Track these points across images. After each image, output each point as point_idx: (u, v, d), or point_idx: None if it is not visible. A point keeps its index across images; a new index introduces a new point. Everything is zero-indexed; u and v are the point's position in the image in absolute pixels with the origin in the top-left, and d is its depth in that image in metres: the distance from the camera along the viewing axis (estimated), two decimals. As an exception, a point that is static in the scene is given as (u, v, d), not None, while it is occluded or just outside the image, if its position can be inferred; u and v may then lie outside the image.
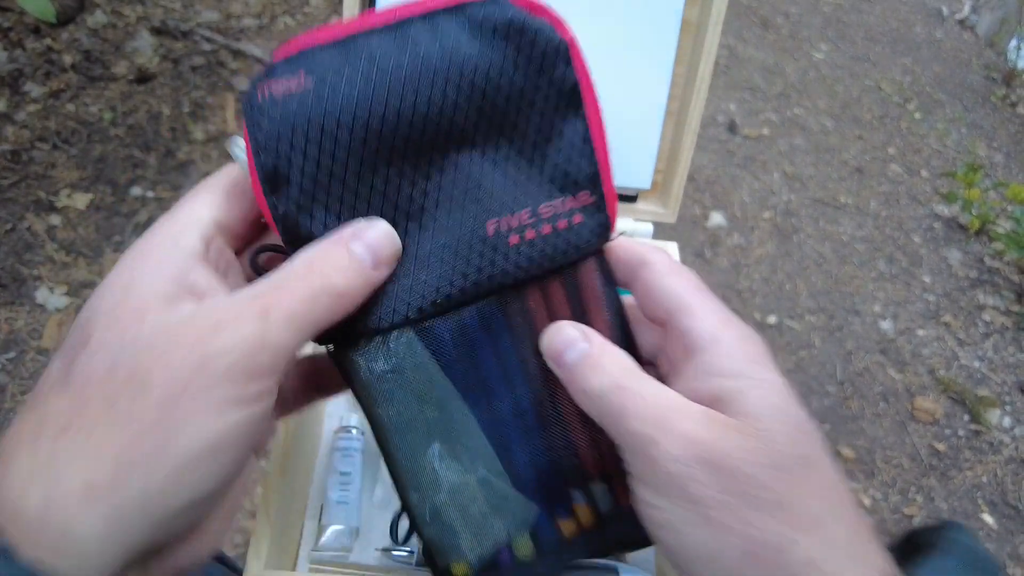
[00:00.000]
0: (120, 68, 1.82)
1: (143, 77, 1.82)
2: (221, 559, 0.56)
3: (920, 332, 1.79)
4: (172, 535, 0.23)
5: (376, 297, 0.29)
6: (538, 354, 0.31)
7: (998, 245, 2.06)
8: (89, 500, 0.21)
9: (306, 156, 0.28)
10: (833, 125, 2.48)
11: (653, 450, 0.25)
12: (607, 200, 0.32)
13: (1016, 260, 2.01)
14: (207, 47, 1.94)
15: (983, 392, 1.66)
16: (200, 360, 0.22)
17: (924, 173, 2.38)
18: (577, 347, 0.29)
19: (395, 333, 0.30)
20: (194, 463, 0.22)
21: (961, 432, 1.59)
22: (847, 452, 1.49)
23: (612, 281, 0.33)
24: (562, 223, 0.31)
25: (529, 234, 0.30)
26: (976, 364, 1.73)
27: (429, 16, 0.28)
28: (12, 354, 1.30)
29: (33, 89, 1.71)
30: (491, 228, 0.30)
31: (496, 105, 0.30)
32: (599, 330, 0.31)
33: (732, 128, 2.29)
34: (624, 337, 0.32)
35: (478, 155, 0.30)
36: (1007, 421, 1.61)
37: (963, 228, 2.15)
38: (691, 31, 0.45)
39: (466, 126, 0.30)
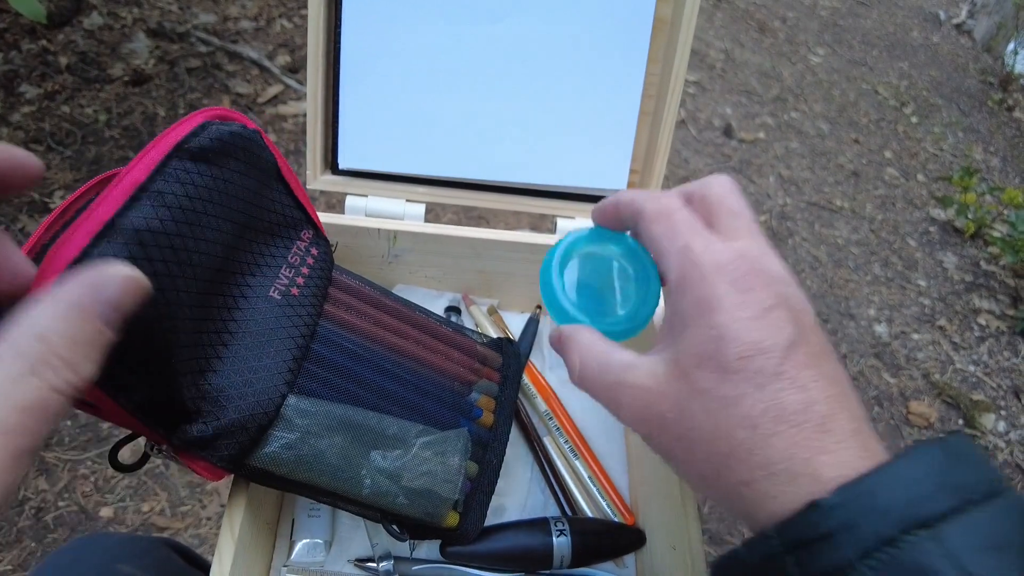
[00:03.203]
0: (116, 70, 1.83)
1: (139, 79, 1.82)
2: (188, 556, 0.56)
3: (915, 336, 1.79)
4: None
5: (247, 401, 0.34)
6: (370, 335, 0.42)
7: (994, 249, 2.06)
8: None
9: (134, 343, 0.27)
10: (829, 129, 2.48)
11: (616, 413, 0.30)
12: (320, 230, 0.42)
13: (1011, 264, 2.01)
14: (203, 49, 1.94)
15: (978, 396, 1.66)
16: None
17: (920, 177, 2.38)
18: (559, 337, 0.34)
19: (283, 407, 0.35)
20: None
21: (955, 436, 1.58)
22: (840, 456, 1.49)
23: (357, 276, 0.44)
24: (310, 260, 0.40)
25: (299, 280, 0.39)
26: (971, 368, 1.73)
27: (162, 168, 0.31)
28: (3, 355, 1.30)
29: (28, 90, 1.72)
30: (275, 294, 0.37)
31: (242, 212, 0.35)
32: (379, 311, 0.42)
33: (728, 132, 2.29)
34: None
35: (247, 259, 0.37)
36: (1002, 426, 1.61)
37: (959, 232, 2.15)
38: (664, 29, 0.45)
39: (235, 243, 0.35)
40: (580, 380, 0.32)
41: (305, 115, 1.91)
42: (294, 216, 0.39)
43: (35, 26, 1.80)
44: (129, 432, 0.33)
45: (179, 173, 0.31)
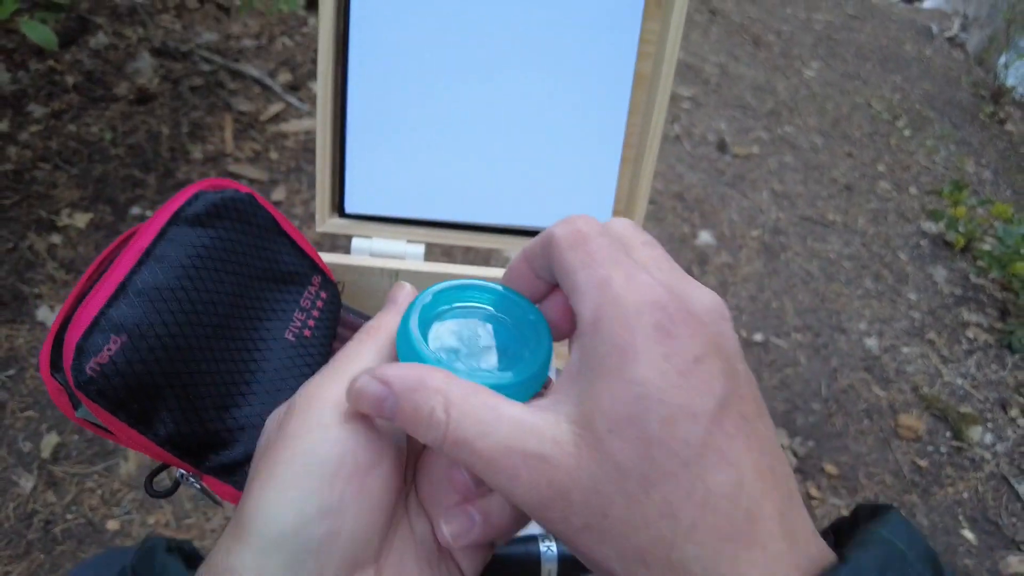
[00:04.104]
0: (121, 89, 1.86)
1: (143, 98, 1.86)
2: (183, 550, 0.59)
3: (904, 349, 1.82)
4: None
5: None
6: None
7: (982, 263, 2.10)
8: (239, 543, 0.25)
9: (158, 384, 0.33)
10: (823, 143, 2.52)
11: (508, 490, 0.23)
12: (328, 275, 0.45)
13: (999, 278, 2.04)
14: (206, 68, 1.98)
15: (965, 409, 1.69)
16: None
17: (913, 190, 2.42)
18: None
19: None
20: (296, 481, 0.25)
21: (943, 449, 1.61)
22: (831, 468, 1.51)
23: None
24: (320, 303, 0.43)
25: (311, 323, 0.41)
26: (959, 381, 1.76)
27: (162, 235, 0.35)
28: (12, 371, 1.33)
29: (35, 109, 1.75)
30: (290, 336, 0.40)
31: (246, 264, 0.39)
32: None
33: (722, 147, 2.32)
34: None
35: (262, 305, 0.40)
36: (988, 438, 1.64)
37: (949, 245, 2.19)
38: (644, 84, 0.49)
39: (244, 292, 0.38)
40: (452, 442, 0.23)
41: (306, 133, 1.94)
42: (302, 264, 0.42)
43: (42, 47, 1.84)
44: (160, 463, 0.36)
45: (178, 237, 0.35)
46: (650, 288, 0.24)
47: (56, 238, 1.53)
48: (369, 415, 0.26)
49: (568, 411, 0.24)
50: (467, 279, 0.32)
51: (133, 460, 1.26)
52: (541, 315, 0.30)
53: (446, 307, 0.31)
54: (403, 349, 0.28)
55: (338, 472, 0.25)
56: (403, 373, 0.24)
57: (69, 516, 1.18)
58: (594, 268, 0.25)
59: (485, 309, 0.31)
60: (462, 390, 0.24)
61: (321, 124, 0.48)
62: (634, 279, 0.24)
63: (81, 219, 1.58)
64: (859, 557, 0.22)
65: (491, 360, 0.29)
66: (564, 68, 0.48)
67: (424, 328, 0.29)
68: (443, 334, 0.29)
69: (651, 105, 0.49)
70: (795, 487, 0.24)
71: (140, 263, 0.33)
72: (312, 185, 1.80)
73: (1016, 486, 1.55)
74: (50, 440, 1.25)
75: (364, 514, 0.26)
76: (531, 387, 0.28)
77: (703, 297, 0.25)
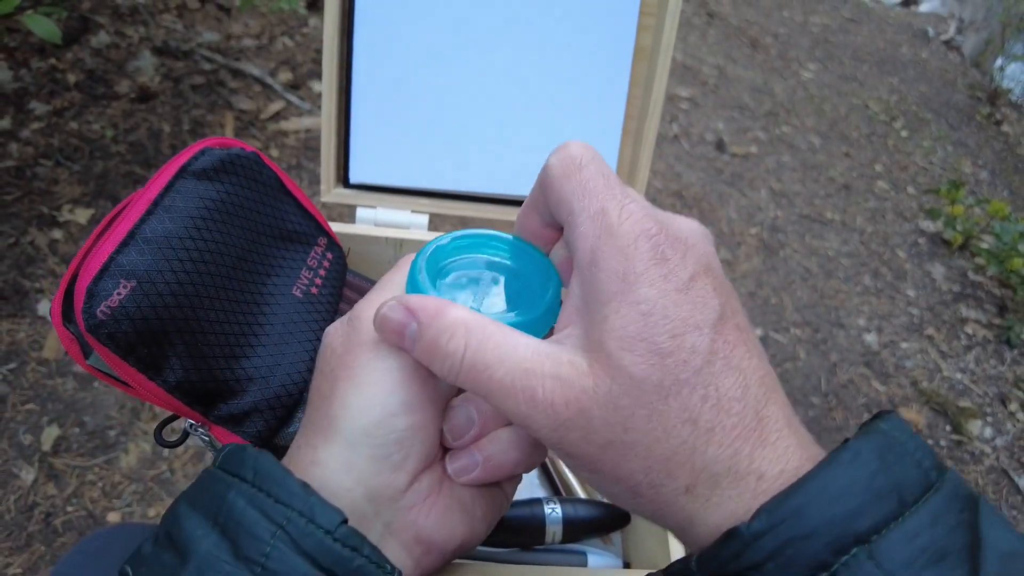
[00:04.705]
0: (122, 87, 1.87)
1: (144, 96, 1.87)
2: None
3: (904, 345, 1.83)
4: (388, 461, 0.27)
5: (274, 383, 0.38)
6: None
7: (980, 260, 2.11)
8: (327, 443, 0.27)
9: (166, 330, 0.33)
10: (820, 143, 2.54)
11: (524, 414, 0.24)
12: (333, 238, 0.45)
13: (997, 274, 2.05)
14: (207, 67, 1.99)
15: (965, 403, 1.69)
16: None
17: (910, 190, 2.43)
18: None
19: (307, 391, 0.38)
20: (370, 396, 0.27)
21: (943, 442, 1.62)
22: (830, 462, 1.52)
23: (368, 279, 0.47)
24: (326, 263, 0.43)
25: (318, 281, 0.42)
26: (958, 376, 1.77)
27: (170, 187, 0.36)
28: (13, 365, 1.33)
29: (37, 107, 1.76)
30: (298, 293, 0.41)
31: (253, 221, 0.39)
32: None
33: (720, 146, 2.33)
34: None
35: (268, 261, 0.41)
36: (988, 431, 1.64)
37: (947, 243, 2.20)
38: (645, 56, 0.49)
39: (251, 247, 0.39)
40: (469, 368, 0.24)
41: (307, 131, 1.94)
42: (307, 225, 0.43)
43: (44, 45, 1.85)
44: (171, 413, 0.37)
45: (185, 189, 0.36)
46: (641, 220, 0.25)
47: (57, 233, 1.54)
48: (392, 343, 0.27)
49: (578, 340, 0.25)
50: (481, 230, 0.32)
51: (134, 453, 1.27)
52: (551, 264, 0.31)
53: (457, 256, 0.31)
54: (412, 290, 0.29)
55: (413, 374, 0.27)
56: (425, 302, 0.26)
57: (70, 508, 1.18)
58: (589, 199, 0.26)
59: (495, 259, 0.32)
60: (480, 320, 0.25)
61: (326, 94, 0.49)
62: (627, 207, 0.25)
63: (82, 215, 1.58)
64: (860, 442, 0.22)
65: (499, 305, 0.30)
66: (566, 40, 0.49)
67: (435, 271, 0.30)
68: (453, 279, 0.30)
69: (651, 77, 0.49)
70: (789, 402, 0.25)
71: (149, 213, 0.34)
72: (313, 182, 1.81)
73: (1016, 479, 1.55)
74: (51, 433, 1.25)
75: (436, 412, 0.28)
76: (536, 329, 0.28)
77: (687, 224, 0.27)
